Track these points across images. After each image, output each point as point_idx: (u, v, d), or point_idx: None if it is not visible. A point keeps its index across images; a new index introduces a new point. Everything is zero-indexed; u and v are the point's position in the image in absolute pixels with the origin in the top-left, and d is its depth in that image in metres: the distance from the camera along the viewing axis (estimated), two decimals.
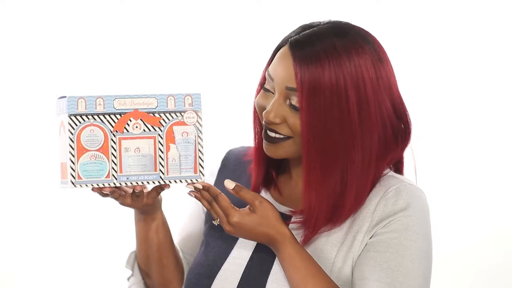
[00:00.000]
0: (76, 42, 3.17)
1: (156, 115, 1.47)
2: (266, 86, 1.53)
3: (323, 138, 1.46)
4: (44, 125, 3.16)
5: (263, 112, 1.51)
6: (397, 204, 1.48)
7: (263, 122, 1.52)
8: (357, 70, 1.46)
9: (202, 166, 1.49)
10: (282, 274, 1.51)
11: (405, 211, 1.47)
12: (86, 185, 1.44)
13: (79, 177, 1.43)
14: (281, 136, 1.51)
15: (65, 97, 1.45)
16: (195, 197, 1.49)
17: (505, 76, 3.15)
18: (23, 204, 3.19)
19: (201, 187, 1.47)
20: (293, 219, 1.55)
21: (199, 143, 1.49)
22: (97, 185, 1.44)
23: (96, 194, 1.50)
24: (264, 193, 1.63)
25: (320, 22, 1.52)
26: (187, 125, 1.48)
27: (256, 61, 3.11)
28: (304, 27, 1.52)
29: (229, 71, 3.20)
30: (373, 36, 1.51)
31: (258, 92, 1.56)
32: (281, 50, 1.51)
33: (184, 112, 1.48)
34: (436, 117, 3.15)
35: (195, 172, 1.49)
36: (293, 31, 1.52)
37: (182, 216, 1.76)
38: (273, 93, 1.51)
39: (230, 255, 1.58)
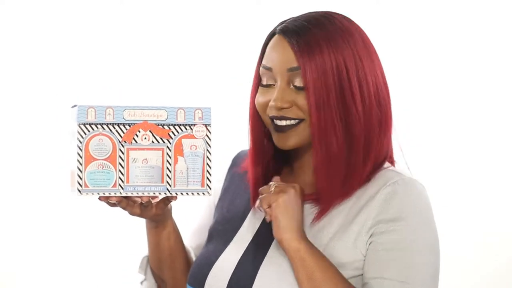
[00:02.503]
0: (75, 43, 3.17)
1: (166, 127, 1.47)
2: (264, 81, 1.54)
3: (330, 112, 1.49)
4: (48, 129, 3.17)
5: (270, 103, 1.52)
6: (397, 202, 1.48)
7: (271, 115, 1.53)
8: (353, 48, 1.51)
9: (209, 180, 1.49)
10: (275, 261, 1.51)
11: (406, 209, 1.48)
12: (92, 194, 1.44)
13: (86, 185, 1.44)
14: (293, 122, 1.51)
15: (74, 106, 1.46)
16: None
17: (505, 76, 3.15)
18: (23, 205, 3.19)
19: None
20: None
21: (207, 157, 1.49)
22: (103, 194, 1.44)
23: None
24: None
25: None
26: (196, 138, 1.49)
27: (255, 62, 3.13)
28: (284, 21, 1.56)
29: (228, 71, 3.20)
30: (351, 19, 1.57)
31: (253, 93, 1.58)
32: (271, 42, 1.54)
33: (194, 125, 1.49)
34: (437, 117, 3.15)
35: (202, 185, 1.49)
36: (277, 25, 1.56)
37: (198, 213, 1.77)
38: (273, 85, 1.53)
39: (228, 246, 1.59)
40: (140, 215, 1.56)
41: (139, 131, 1.46)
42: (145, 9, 3.19)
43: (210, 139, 1.49)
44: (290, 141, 1.53)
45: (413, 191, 1.50)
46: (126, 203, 1.51)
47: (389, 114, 1.55)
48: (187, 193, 1.48)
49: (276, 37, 1.54)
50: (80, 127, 1.44)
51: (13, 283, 3.19)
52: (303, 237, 1.47)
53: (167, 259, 1.70)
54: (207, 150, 1.49)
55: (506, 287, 3.14)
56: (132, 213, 1.55)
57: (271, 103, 1.51)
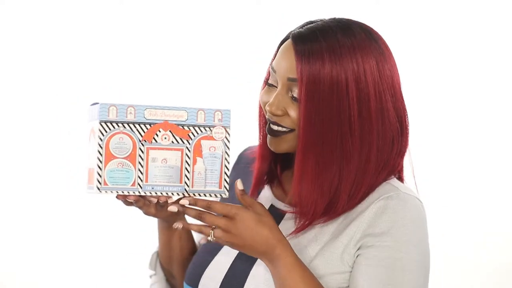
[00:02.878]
0: (75, 43, 3.18)
1: (186, 128, 1.48)
2: (270, 81, 1.53)
3: (320, 130, 1.45)
4: (51, 128, 3.17)
5: (266, 105, 1.52)
6: (388, 217, 1.46)
7: (267, 116, 1.53)
8: (359, 66, 1.46)
9: (227, 182, 1.49)
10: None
11: (396, 224, 1.45)
12: (111, 192, 1.44)
13: (105, 183, 1.44)
14: (284, 129, 1.51)
15: (97, 103, 1.46)
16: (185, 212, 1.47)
17: (505, 77, 3.15)
18: (24, 205, 3.19)
19: (187, 203, 1.45)
20: (286, 209, 1.56)
21: (225, 159, 1.49)
22: (122, 192, 1.45)
23: (112, 200, 1.50)
24: (266, 189, 1.64)
25: (323, 19, 1.52)
26: (215, 140, 1.49)
27: (255, 61, 3.11)
28: (307, 23, 1.52)
29: (228, 70, 3.20)
30: (378, 33, 1.52)
31: (263, 87, 1.57)
32: (284, 44, 1.52)
33: (213, 127, 1.49)
34: (437, 117, 3.15)
35: (220, 187, 1.49)
36: (297, 27, 1.53)
37: None
38: (276, 87, 1.52)
39: (224, 246, 1.59)
40: (155, 215, 1.56)
41: (160, 131, 1.46)
42: (146, 10, 3.19)
43: (228, 141, 1.50)
44: (280, 146, 1.53)
45: (406, 206, 1.47)
46: (143, 202, 1.51)
47: (397, 144, 1.51)
48: (204, 194, 1.48)
49: (288, 41, 1.52)
50: (101, 125, 1.44)
51: (13, 283, 3.18)
52: (273, 258, 1.45)
53: (178, 257, 1.71)
54: (226, 152, 1.50)
55: (506, 287, 3.14)
56: (147, 213, 1.55)
57: (266, 107, 1.52)
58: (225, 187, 1.49)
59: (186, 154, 1.47)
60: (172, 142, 1.47)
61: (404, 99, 1.53)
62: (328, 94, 1.45)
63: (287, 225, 1.54)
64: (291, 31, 1.53)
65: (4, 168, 3.19)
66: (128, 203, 1.51)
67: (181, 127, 1.47)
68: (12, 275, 3.17)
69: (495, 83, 3.17)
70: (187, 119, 1.48)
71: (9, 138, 3.19)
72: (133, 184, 1.45)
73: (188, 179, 1.47)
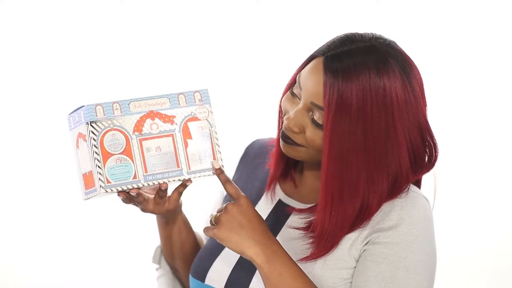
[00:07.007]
0: (76, 43, 3.17)
1: (170, 113, 1.51)
2: (294, 90, 1.54)
3: (346, 163, 1.46)
4: (47, 132, 3.14)
5: (285, 117, 1.53)
6: (396, 214, 1.48)
7: (283, 126, 1.55)
8: (387, 108, 1.46)
9: (221, 158, 1.53)
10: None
11: (404, 222, 1.47)
12: (117, 189, 1.46)
13: (108, 182, 1.46)
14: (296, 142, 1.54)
15: (77, 109, 1.48)
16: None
17: (505, 78, 3.18)
18: (24, 205, 3.18)
19: (218, 169, 1.51)
20: (294, 205, 1.60)
21: (214, 136, 1.54)
22: (127, 187, 1.47)
23: (110, 200, 1.54)
24: (277, 184, 1.67)
25: (362, 35, 1.50)
26: (200, 120, 1.53)
27: (255, 61, 3.14)
28: (343, 41, 1.49)
29: (228, 70, 3.21)
30: (412, 63, 1.52)
31: (285, 91, 1.57)
32: (315, 61, 1.50)
33: (196, 107, 1.53)
34: (438, 118, 3.20)
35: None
36: (333, 43, 1.50)
37: (208, 205, 1.80)
38: (299, 98, 1.52)
39: None
40: (153, 211, 1.57)
41: (147, 121, 1.50)
42: (145, 9, 3.19)
43: (212, 118, 1.54)
44: (289, 153, 1.56)
45: (415, 205, 1.49)
46: (143, 197, 1.53)
47: (423, 170, 1.53)
48: (204, 175, 1.52)
49: (319, 61, 1.49)
50: (92, 125, 1.46)
51: (14, 283, 3.14)
52: (270, 252, 1.46)
53: (179, 251, 1.73)
54: (212, 129, 1.54)
55: (506, 287, 3.17)
56: (144, 209, 1.57)
57: (285, 120, 1.53)
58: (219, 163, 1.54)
59: (177, 139, 1.51)
60: (161, 129, 1.50)
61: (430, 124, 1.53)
62: (354, 125, 1.45)
63: (294, 223, 1.58)
64: (327, 51, 1.49)
65: (5, 168, 3.15)
66: (128, 201, 1.52)
67: (166, 113, 1.51)
68: (12, 276, 3.13)
69: (497, 85, 3.18)
70: (170, 105, 1.52)
71: (11, 137, 3.17)
72: (135, 177, 1.48)
73: (184, 162, 1.51)
